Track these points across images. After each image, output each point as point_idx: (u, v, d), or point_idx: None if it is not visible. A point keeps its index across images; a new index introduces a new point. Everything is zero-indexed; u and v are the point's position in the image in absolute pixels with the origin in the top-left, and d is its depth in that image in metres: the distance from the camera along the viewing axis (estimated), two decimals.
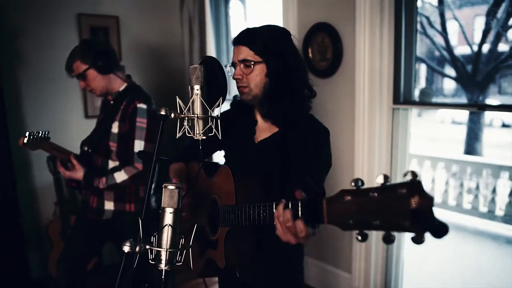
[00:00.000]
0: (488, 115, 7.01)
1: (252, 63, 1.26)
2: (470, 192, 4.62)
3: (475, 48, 4.62)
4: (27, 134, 1.82)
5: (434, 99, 2.88)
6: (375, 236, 2.47)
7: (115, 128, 1.95)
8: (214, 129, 1.08)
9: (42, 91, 3.05)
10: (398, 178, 2.43)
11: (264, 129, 1.36)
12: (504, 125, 8.55)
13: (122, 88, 2.03)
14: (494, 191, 4.40)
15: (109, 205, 2.03)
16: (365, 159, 2.42)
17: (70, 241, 2.17)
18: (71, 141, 2.32)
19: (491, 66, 4.58)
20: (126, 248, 0.85)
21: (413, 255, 2.63)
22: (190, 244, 0.94)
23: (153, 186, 2.11)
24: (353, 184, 0.73)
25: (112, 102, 2.03)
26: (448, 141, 7.37)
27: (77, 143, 2.20)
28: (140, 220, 0.94)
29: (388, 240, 0.69)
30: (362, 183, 0.74)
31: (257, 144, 1.35)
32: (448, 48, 4.33)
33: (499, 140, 7.50)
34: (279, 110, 1.29)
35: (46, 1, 3.02)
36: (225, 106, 1.30)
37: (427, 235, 0.66)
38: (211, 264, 1.29)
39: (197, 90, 1.07)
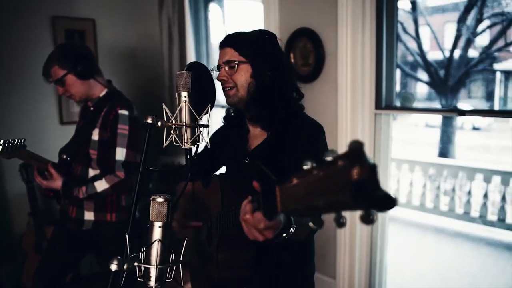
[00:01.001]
0: (459, 118, 7.24)
1: (236, 62, 1.24)
2: (447, 194, 4.73)
3: (446, 53, 4.77)
4: (1, 142, 1.73)
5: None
6: (359, 241, 2.47)
7: (95, 136, 1.88)
8: (202, 138, 1.04)
9: (14, 96, 2.93)
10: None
11: (256, 137, 1.34)
12: (474, 128, 8.87)
13: (102, 93, 1.96)
14: (469, 193, 4.53)
15: (89, 215, 1.95)
16: None
17: (48, 253, 2.07)
18: (46, 148, 2.22)
19: (462, 71, 4.74)
20: (113, 267, 0.79)
21: (396, 259, 2.65)
22: (180, 259, 0.90)
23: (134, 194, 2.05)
24: (304, 166, 0.62)
25: (92, 108, 1.96)
26: (422, 144, 7.55)
27: (52, 150, 2.10)
28: (127, 235, 0.89)
29: (338, 222, 0.58)
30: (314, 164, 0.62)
31: (250, 152, 1.32)
32: (422, 53, 4.45)
33: (470, 142, 7.76)
34: (266, 113, 1.26)
35: (18, 2, 2.90)
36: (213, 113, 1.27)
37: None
38: (213, 280, 1.24)
39: (185, 97, 1.03)
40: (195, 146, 1.06)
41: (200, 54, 3.58)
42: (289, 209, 0.67)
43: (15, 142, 1.77)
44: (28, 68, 2.93)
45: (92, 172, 1.94)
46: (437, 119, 7.14)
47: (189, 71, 1.04)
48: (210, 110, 1.08)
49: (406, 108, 2.37)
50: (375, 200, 0.51)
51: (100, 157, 1.89)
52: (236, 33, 1.30)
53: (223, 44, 1.28)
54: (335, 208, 0.57)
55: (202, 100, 1.09)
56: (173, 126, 1.03)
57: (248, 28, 1.34)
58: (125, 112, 1.87)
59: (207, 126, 1.05)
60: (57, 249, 2.00)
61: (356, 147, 0.53)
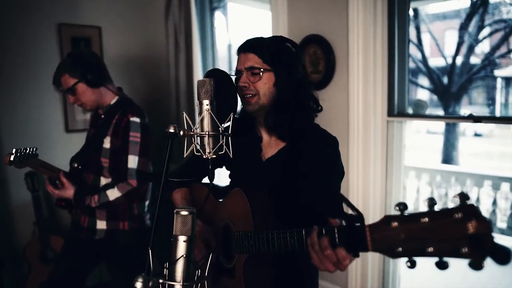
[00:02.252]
0: (462, 125, 7.22)
1: (262, 70, 1.20)
2: (454, 201, 4.68)
3: (447, 60, 4.77)
4: (13, 151, 1.70)
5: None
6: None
7: (107, 144, 1.85)
8: (225, 147, 1.00)
9: (20, 104, 2.89)
10: (393, 191, 2.41)
11: (270, 146, 1.30)
12: (476, 134, 8.85)
13: (113, 101, 1.93)
14: (477, 200, 4.48)
15: (101, 224, 1.92)
16: (360, 172, 2.38)
17: (59, 264, 2.03)
18: (51, 157, 2.17)
19: (464, 78, 4.73)
20: (139, 285, 0.75)
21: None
22: (206, 275, 0.86)
23: (146, 203, 2.02)
24: (397, 208, 0.71)
25: (103, 116, 1.93)
26: (425, 151, 7.53)
27: (58, 158, 2.06)
28: (149, 250, 0.84)
29: (443, 266, 0.65)
30: (406, 207, 0.70)
31: (264, 162, 1.28)
32: (424, 60, 4.45)
33: (473, 149, 7.74)
34: (286, 123, 1.23)
35: (24, 10, 2.88)
36: None
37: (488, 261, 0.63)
38: None
39: (207, 105, 0.99)
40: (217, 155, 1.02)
41: (206, 62, 3.56)
42: (383, 249, 0.72)
43: (27, 151, 1.74)
44: (33, 75, 2.90)
45: (104, 181, 1.91)
46: (440, 125, 7.12)
47: (211, 78, 1.01)
48: (232, 118, 1.04)
49: (419, 115, 2.34)
50: (492, 253, 0.59)
51: (112, 165, 1.86)
52: (258, 39, 1.27)
53: (245, 49, 1.23)
54: (445, 254, 0.64)
55: (224, 108, 1.05)
56: (195, 135, 0.99)
57: (254, 35, 1.30)
58: (137, 120, 1.85)
59: (230, 135, 1.01)
60: (69, 260, 1.96)
61: (468, 201, 0.62)
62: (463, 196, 0.63)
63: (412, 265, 0.68)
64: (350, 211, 0.84)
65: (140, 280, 0.76)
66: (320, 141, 1.25)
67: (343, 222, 0.83)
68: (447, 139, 6.99)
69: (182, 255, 0.81)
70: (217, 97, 1.02)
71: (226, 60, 3.82)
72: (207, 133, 0.98)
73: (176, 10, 3.30)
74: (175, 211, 0.86)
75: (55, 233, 2.88)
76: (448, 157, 6.77)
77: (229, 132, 1.03)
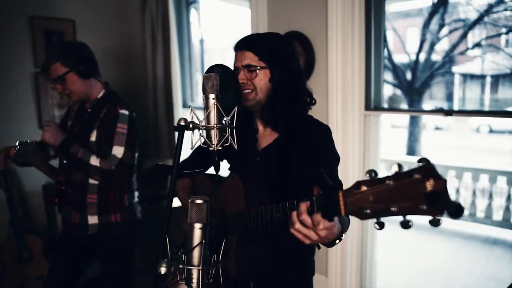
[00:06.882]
0: (423, 119, 7.58)
1: (258, 68, 1.26)
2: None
3: (409, 56, 5.01)
4: (17, 143, 1.69)
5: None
6: (350, 238, 2.54)
7: (93, 137, 1.85)
8: (230, 139, 1.05)
9: None
10: None
11: (265, 136, 1.37)
12: (436, 128, 9.31)
13: (100, 95, 1.93)
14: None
15: (93, 219, 1.91)
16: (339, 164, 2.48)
17: (54, 265, 2.00)
18: None
19: (427, 74, 4.97)
20: (162, 270, 0.79)
21: (384, 253, 2.74)
22: (220, 260, 0.91)
23: (136, 194, 2.02)
24: (367, 175, 0.76)
25: (89, 110, 1.92)
26: (390, 144, 7.86)
27: None
28: (167, 238, 0.88)
29: (406, 225, 0.71)
30: (376, 174, 0.75)
31: (261, 152, 1.35)
32: (389, 56, 4.65)
33: (434, 141, 8.16)
34: (281, 116, 1.30)
35: None
36: None
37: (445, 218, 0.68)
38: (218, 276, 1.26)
39: (213, 99, 1.03)
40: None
41: (184, 57, 3.55)
42: (354, 212, 0.78)
43: (29, 144, 1.78)
44: (4, 70, 2.80)
45: (91, 181, 1.90)
46: (404, 119, 7.44)
47: (216, 73, 1.05)
48: (236, 111, 1.09)
49: (394, 109, 2.47)
50: (448, 208, 0.65)
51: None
52: (254, 36, 1.34)
53: (242, 47, 1.30)
54: (407, 212, 0.70)
55: (228, 102, 1.10)
56: (202, 128, 1.03)
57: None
58: (126, 112, 1.87)
59: (236, 127, 1.06)
60: (64, 260, 1.94)
61: (428, 163, 0.68)
62: (425, 160, 0.68)
63: (380, 226, 0.74)
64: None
65: (164, 265, 0.80)
66: (314, 130, 1.33)
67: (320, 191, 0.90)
68: (411, 132, 7.33)
69: (201, 241, 0.85)
70: (221, 91, 1.06)
71: (199, 55, 3.83)
72: (214, 126, 1.02)
73: (153, 4, 3.28)
74: (189, 200, 0.90)
75: (31, 233, 2.81)
76: (412, 150, 7.11)
77: (234, 125, 1.08)
